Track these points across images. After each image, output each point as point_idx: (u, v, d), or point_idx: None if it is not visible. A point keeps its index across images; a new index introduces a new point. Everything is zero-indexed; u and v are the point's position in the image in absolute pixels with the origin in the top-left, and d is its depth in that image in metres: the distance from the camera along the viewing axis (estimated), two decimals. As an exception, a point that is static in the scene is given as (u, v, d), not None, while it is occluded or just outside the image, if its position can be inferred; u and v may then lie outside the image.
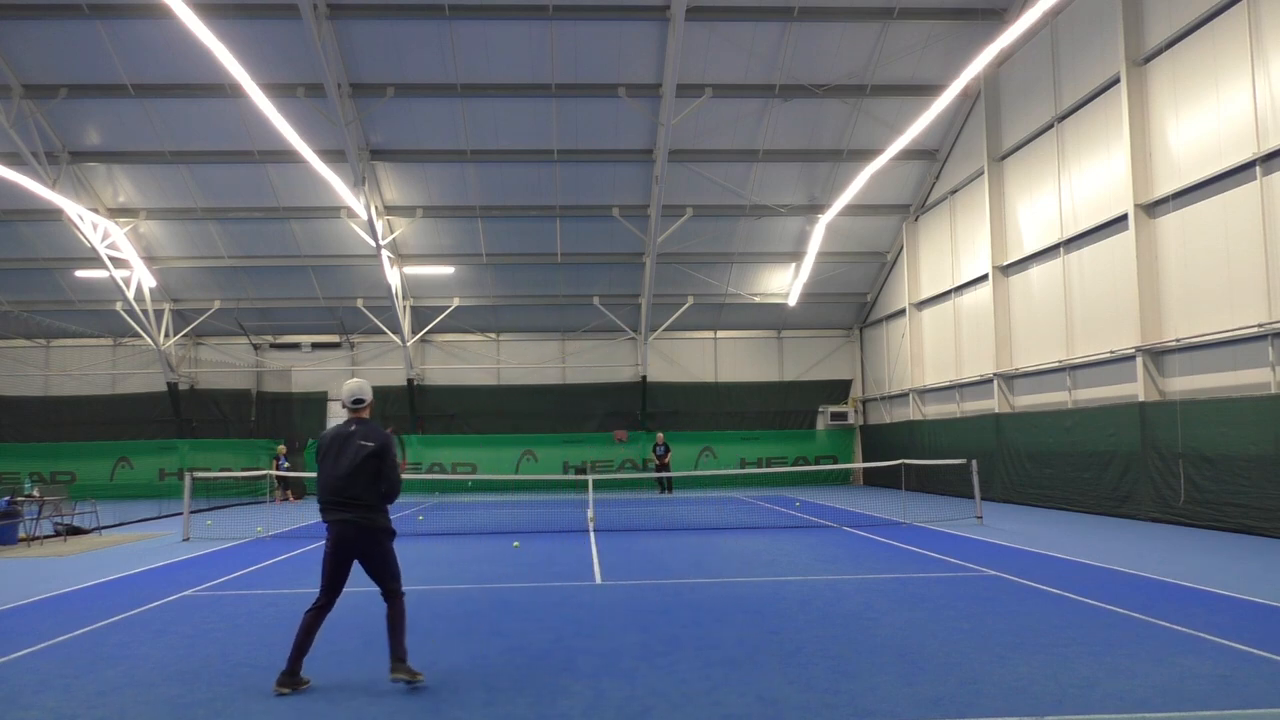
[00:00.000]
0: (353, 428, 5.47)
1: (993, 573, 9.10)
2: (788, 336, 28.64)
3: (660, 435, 25.82)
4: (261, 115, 18.80)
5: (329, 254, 24.80)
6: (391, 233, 23.66)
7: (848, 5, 18.22)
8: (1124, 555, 10.24)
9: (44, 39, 18.45)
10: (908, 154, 21.99)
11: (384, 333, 26.43)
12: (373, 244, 21.78)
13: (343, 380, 27.38)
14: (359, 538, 5.37)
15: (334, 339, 27.79)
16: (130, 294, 23.98)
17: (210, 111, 20.23)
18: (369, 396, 5.66)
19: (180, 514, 15.08)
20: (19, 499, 14.04)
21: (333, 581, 5.41)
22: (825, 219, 23.04)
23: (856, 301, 27.59)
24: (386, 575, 5.46)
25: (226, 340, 27.49)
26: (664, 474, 24.77)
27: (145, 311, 24.81)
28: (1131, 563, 9.63)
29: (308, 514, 18.89)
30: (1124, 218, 14.83)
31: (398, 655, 5.28)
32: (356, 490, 5.33)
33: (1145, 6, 14.55)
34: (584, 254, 25.19)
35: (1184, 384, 13.75)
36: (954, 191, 21.66)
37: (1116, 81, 15.04)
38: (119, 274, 23.27)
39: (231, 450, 26.23)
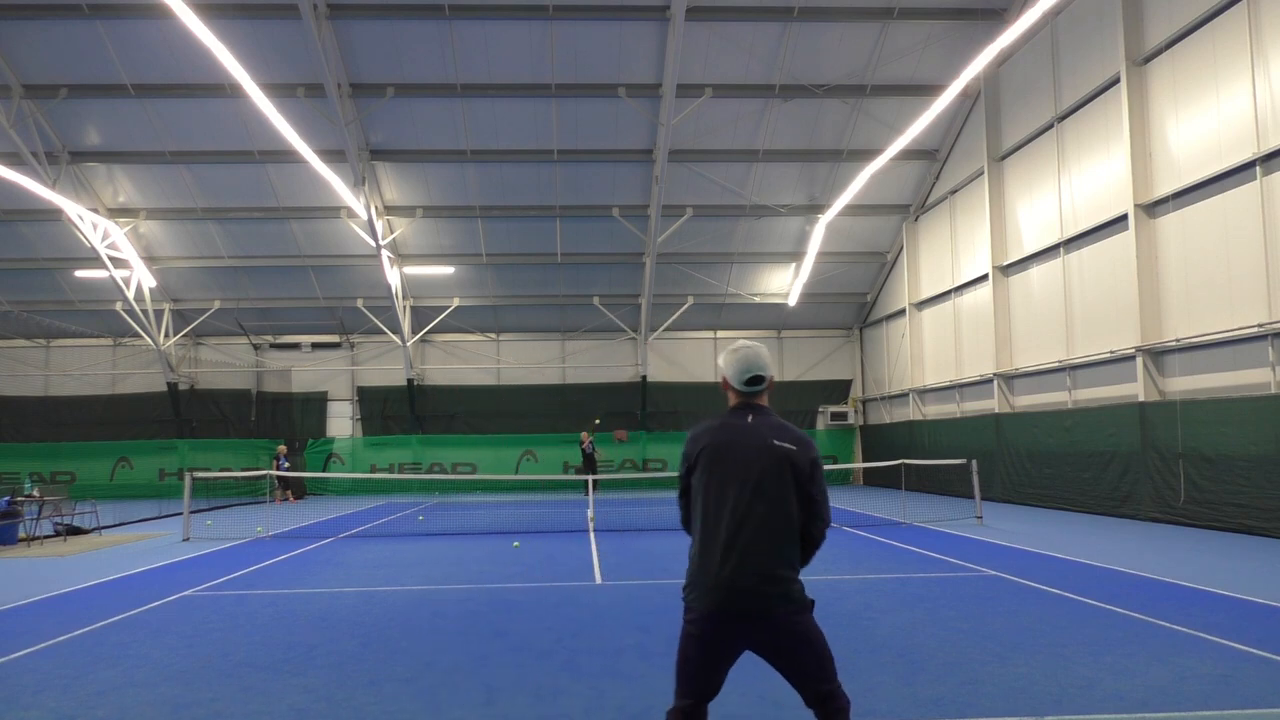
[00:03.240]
0: (749, 419, 3.21)
1: (993, 573, 9.09)
2: (788, 336, 28.64)
3: (584, 434, 25.16)
4: (261, 115, 18.81)
5: (329, 254, 24.79)
6: (391, 233, 23.65)
7: (848, 5, 18.21)
8: (1124, 555, 10.24)
9: (44, 39, 18.45)
10: (908, 154, 21.98)
11: (384, 333, 26.42)
12: (373, 244, 21.78)
13: (343, 380, 27.96)
14: (761, 625, 3.02)
15: (334, 339, 27.79)
16: (130, 294, 23.98)
17: (210, 111, 20.23)
18: (771, 371, 3.28)
19: (180, 514, 15.09)
20: (19, 499, 14.04)
21: (705, 685, 3.16)
22: (825, 219, 23.04)
23: (856, 301, 27.59)
24: (824, 667, 3.07)
25: (226, 340, 27.48)
26: (589, 475, 24.36)
27: (145, 311, 24.81)
28: (1131, 563, 9.63)
29: (308, 514, 18.89)
30: (1124, 218, 14.83)
31: None
32: (761, 536, 3.04)
33: (1145, 6, 14.55)
34: (584, 254, 25.18)
35: (1184, 384, 13.75)
36: (954, 191, 21.65)
37: (1116, 81, 15.04)
38: (119, 274, 23.28)
39: (231, 450, 26.23)
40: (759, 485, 3.05)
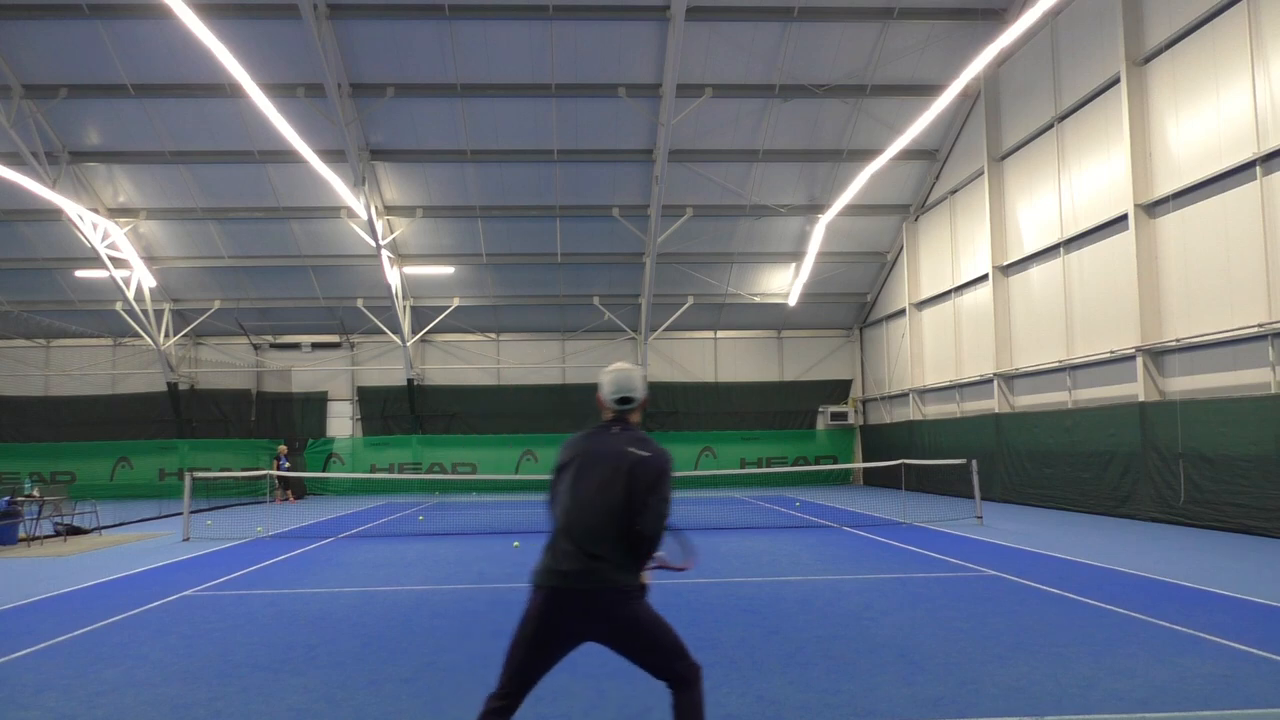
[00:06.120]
0: (615, 431, 3.56)
1: (993, 573, 9.09)
2: (788, 336, 28.64)
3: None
4: (261, 115, 18.82)
5: (329, 254, 24.79)
6: (391, 233, 23.65)
7: (848, 5, 18.21)
8: (1124, 555, 10.24)
9: (44, 39, 18.45)
10: (908, 154, 21.99)
11: (384, 333, 26.42)
12: (373, 244, 21.78)
13: (343, 380, 27.95)
14: (594, 607, 3.34)
15: (334, 339, 27.79)
16: (130, 294, 23.98)
17: (210, 111, 20.23)
18: (640, 393, 3.75)
19: (180, 514, 15.09)
20: (19, 499, 14.04)
21: (525, 673, 3.42)
22: (825, 219, 23.04)
23: (856, 301, 27.59)
24: (663, 650, 3.44)
25: (226, 340, 27.48)
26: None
27: (145, 311, 24.81)
28: (1131, 563, 9.63)
29: (308, 514, 18.89)
30: (1124, 218, 14.84)
31: None
32: (590, 522, 3.34)
33: (1145, 6, 14.55)
34: (584, 254, 25.18)
35: (1184, 384, 13.75)
36: (954, 191, 21.65)
37: (1116, 81, 15.04)
38: (119, 274, 23.27)
39: (231, 450, 26.23)
40: (603, 483, 3.35)
